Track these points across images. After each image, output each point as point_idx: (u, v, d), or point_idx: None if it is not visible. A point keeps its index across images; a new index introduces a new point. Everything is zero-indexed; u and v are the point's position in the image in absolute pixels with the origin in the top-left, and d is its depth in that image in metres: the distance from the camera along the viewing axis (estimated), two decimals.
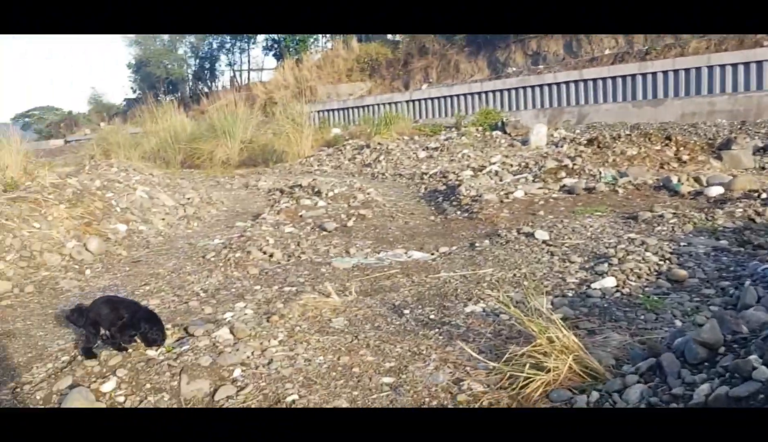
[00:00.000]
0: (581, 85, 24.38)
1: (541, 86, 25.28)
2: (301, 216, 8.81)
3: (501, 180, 10.56)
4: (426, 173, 12.18)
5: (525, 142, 14.00)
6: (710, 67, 21.40)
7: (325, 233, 7.85)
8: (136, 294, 5.96)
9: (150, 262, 7.26)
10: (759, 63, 20.43)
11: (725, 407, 2.73)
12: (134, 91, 40.00)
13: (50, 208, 7.97)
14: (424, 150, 14.59)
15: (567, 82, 24.71)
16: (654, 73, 22.56)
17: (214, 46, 37.14)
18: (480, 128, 15.46)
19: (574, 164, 10.30)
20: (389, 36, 34.51)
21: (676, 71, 22.16)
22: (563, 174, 10.12)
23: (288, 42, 35.41)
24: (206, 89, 36.48)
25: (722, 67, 21.14)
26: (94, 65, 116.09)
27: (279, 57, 35.91)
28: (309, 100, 31.18)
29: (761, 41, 21.80)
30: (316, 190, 10.46)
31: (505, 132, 14.95)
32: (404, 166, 13.83)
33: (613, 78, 23.49)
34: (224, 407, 3.54)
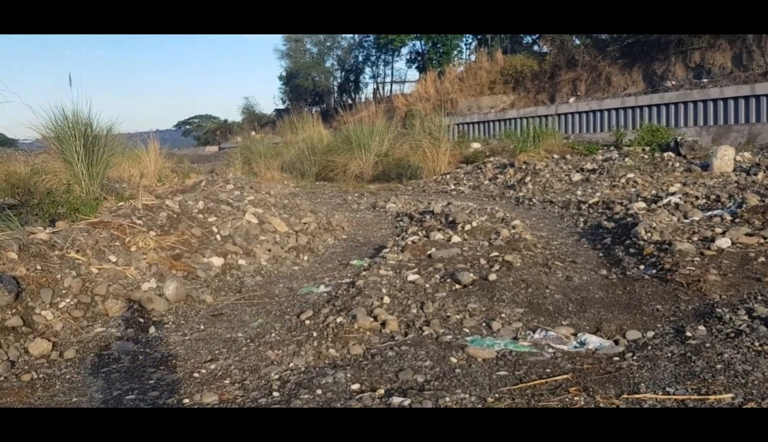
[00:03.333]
0: (752, 101, 20.48)
1: (704, 101, 21.63)
2: (429, 256, 6.61)
3: (686, 217, 7.82)
4: (584, 202, 9.60)
5: (705, 167, 10.98)
6: None
7: (458, 286, 5.60)
8: (194, 378, 4.06)
9: (233, 317, 5.36)
10: None
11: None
12: (283, 102, 39.79)
13: (136, 236, 6.35)
14: (578, 172, 11.95)
15: (736, 98, 20.87)
16: None
17: (360, 58, 36.05)
18: (646, 148, 12.53)
19: None
20: (536, 48, 31.66)
21: None
22: None
23: (432, 54, 33.55)
24: (350, 101, 35.36)
25: None
26: (249, 77, 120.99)
27: (421, 69, 34.12)
28: (449, 113, 29.09)
29: None
30: (450, 219, 8.24)
31: (679, 153, 11.94)
32: (555, 190, 11.29)
33: None
34: None
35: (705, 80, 23.63)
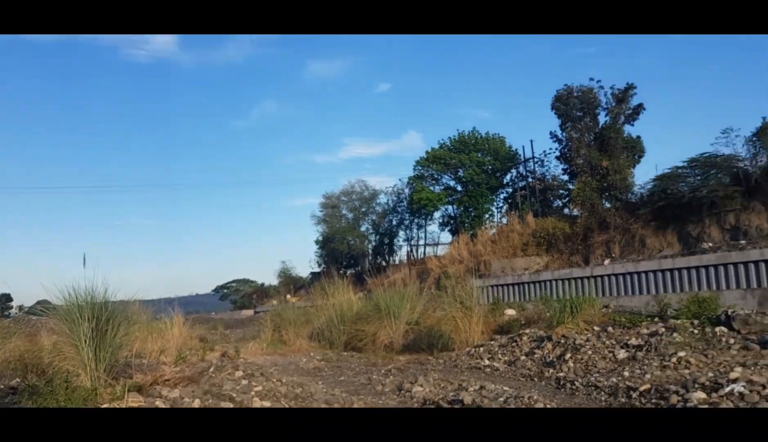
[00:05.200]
0: None
1: (746, 263, 20.50)
2: None
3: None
4: (634, 388, 8.43)
5: (765, 344, 9.77)
6: None
7: None
8: None
9: None
10: None
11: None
12: (319, 265, 39.81)
13: None
14: (623, 348, 10.81)
15: None
16: None
17: (393, 222, 36.31)
18: (695, 322, 11.40)
19: None
20: (566, 211, 31.44)
21: None
22: None
23: (464, 217, 33.60)
24: (384, 263, 35.11)
25: None
26: (287, 241, 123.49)
27: (454, 232, 34.04)
28: (482, 274, 28.35)
29: None
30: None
31: (731, 328, 10.78)
32: (599, 369, 10.13)
33: None
34: None
35: (743, 242, 22.68)
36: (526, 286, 26.31)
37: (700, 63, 68.00)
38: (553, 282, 25.81)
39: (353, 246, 35.49)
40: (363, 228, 37.11)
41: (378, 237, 36.98)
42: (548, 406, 7.63)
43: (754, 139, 23.40)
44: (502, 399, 8.20)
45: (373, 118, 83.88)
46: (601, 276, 24.27)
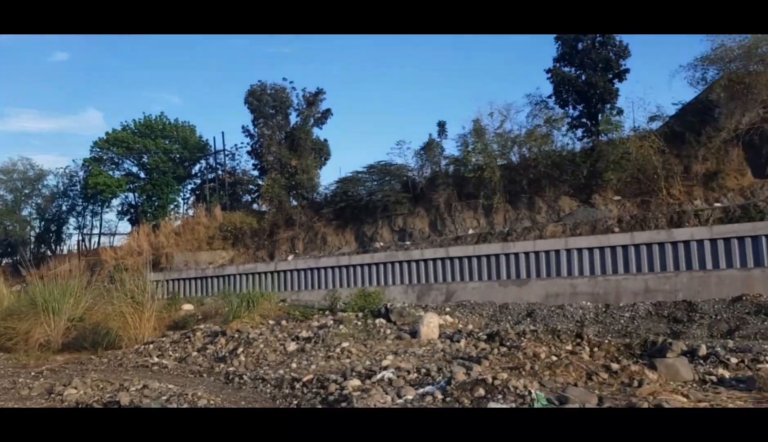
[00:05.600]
0: (448, 262, 22.45)
1: (408, 262, 23.14)
2: None
3: (400, 395, 7.33)
4: (298, 379, 8.69)
5: (414, 334, 10.98)
6: (568, 251, 20.28)
7: None
8: None
9: None
10: (612, 248, 19.54)
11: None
12: None
13: None
14: (294, 340, 11.14)
15: (434, 260, 22.70)
16: (516, 254, 21.09)
17: (64, 208, 32.51)
18: (360, 314, 12.32)
19: (494, 379, 7.27)
20: (255, 206, 31.77)
21: (537, 253, 20.85)
22: (481, 390, 7.08)
23: (146, 206, 31.63)
24: (49, 253, 31.19)
25: (579, 250, 20.09)
26: None
27: (134, 222, 31.83)
28: (163, 267, 27.03)
29: (612, 227, 21.25)
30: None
31: (389, 320, 11.91)
32: (269, 363, 10.25)
33: (478, 257, 21.80)
34: None
35: (408, 243, 25.53)
36: (210, 280, 25.86)
37: (382, 78, 75.28)
38: (238, 276, 25.82)
39: (12, 232, 30.83)
40: (25, 212, 32.50)
41: (43, 223, 32.73)
42: (211, 402, 7.39)
43: (421, 152, 26.48)
44: (164, 398, 7.72)
45: (46, 90, 74.21)
46: (285, 271, 25.04)
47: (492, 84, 67.00)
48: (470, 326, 12.97)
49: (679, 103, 23.84)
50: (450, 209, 25.01)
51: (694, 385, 7.84)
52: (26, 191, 32.24)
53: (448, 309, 18.68)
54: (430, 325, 10.90)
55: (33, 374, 10.87)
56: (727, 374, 8.13)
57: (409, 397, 7.21)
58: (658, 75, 47.90)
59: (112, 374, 10.49)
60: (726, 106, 21.92)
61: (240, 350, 10.95)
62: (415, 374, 8.20)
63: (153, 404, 7.06)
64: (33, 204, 32.52)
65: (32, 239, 32.61)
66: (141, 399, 7.24)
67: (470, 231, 24.50)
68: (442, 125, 26.28)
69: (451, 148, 41.99)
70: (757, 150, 20.79)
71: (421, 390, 7.46)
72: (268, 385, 8.80)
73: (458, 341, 10.38)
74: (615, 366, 8.22)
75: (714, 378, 7.96)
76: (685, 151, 21.65)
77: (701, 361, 8.78)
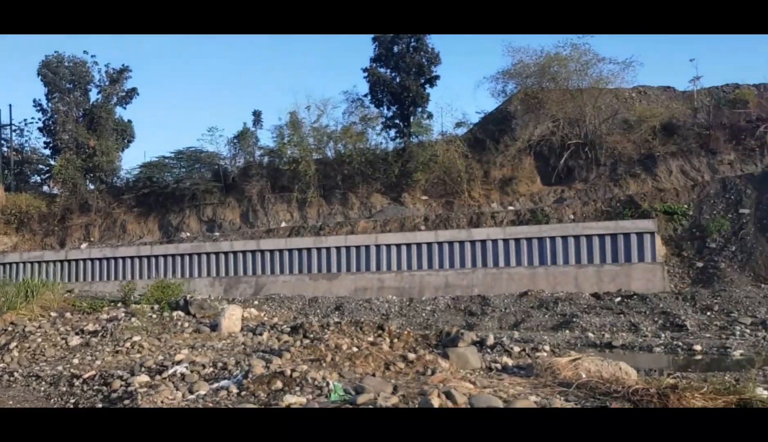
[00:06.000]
0: (258, 255, 22.07)
1: (217, 254, 22.36)
2: None
3: (192, 391, 6.86)
4: (78, 375, 7.82)
5: (214, 327, 10.45)
6: (378, 246, 20.92)
7: None
8: None
9: None
10: (418, 245, 20.49)
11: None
12: None
13: None
14: (78, 334, 10.06)
15: (244, 252, 22.19)
16: (328, 248, 21.33)
17: None
18: (156, 306, 11.49)
19: (293, 371, 7.09)
20: (46, 188, 28.65)
21: (348, 248, 21.26)
22: (279, 383, 6.86)
23: None
24: None
25: (388, 246, 20.82)
26: None
27: None
28: None
29: (419, 225, 22.26)
30: None
31: (189, 313, 11.23)
32: (47, 359, 9.13)
33: (290, 250, 21.75)
34: None
35: (217, 234, 24.59)
36: None
37: (198, 61, 72.12)
38: (21, 265, 23.26)
39: None
40: None
41: None
42: None
43: (235, 141, 25.65)
44: None
45: None
46: (77, 260, 22.96)
47: (310, 78, 67.33)
48: (275, 319, 12.71)
49: (482, 111, 25.69)
50: (263, 201, 24.54)
51: (482, 372, 8.28)
52: None
53: (256, 302, 18.29)
54: (232, 318, 10.46)
55: None
56: (510, 362, 8.71)
57: (202, 392, 6.78)
58: (465, 84, 51.19)
59: None
60: (522, 118, 23.97)
61: (13, 344, 9.67)
62: (211, 369, 7.76)
63: None
64: None
65: None
66: None
67: (283, 224, 24.26)
68: (257, 115, 25.70)
69: (266, 139, 41.32)
70: (546, 160, 22.96)
71: (215, 385, 7.06)
72: (43, 382, 7.83)
73: (261, 334, 10.07)
74: (411, 356, 8.44)
75: (499, 366, 8.47)
76: (485, 157, 23.27)
77: (489, 350, 9.38)
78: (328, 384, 6.68)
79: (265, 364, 7.70)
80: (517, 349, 9.32)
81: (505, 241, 19.25)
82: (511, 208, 21.99)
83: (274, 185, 24.21)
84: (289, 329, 10.17)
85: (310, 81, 68.32)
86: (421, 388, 6.55)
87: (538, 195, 22.51)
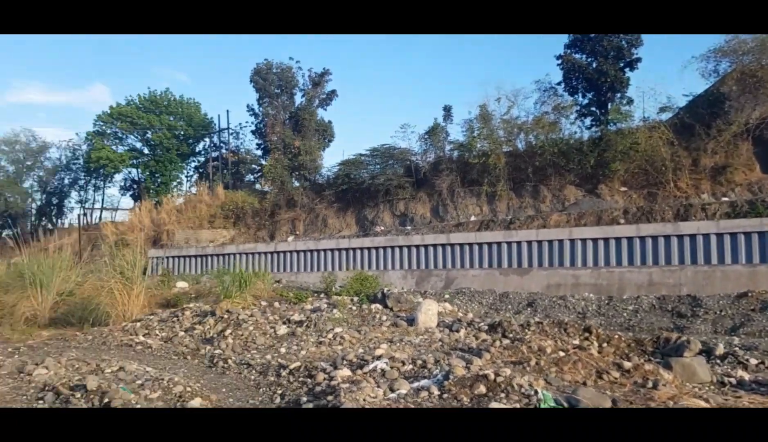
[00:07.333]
0: (448, 248, 21.69)
1: (409, 247, 22.38)
2: None
3: (393, 389, 6.59)
4: (285, 365, 7.96)
5: (411, 321, 10.24)
6: (572, 241, 19.54)
7: None
8: None
9: None
10: (617, 239, 18.75)
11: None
12: None
13: None
14: (285, 323, 10.41)
15: (435, 245, 21.95)
16: (519, 243, 20.30)
17: (66, 181, 31.74)
18: (355, 298, 11.57)
19: (497, 375, 6.51)
20: (257, 186, 31.00)
21: (540, 242, 20.08)
22: (482, 388, 6.33)
23: (149, 183, 30.88)
24: (50, 226, 30.50)
25: (583, 240, 19.33)
26: None
27: (137, 198, 31.09)
28: (164, 244, 26.36)
29: (618, 218, 20.46)
30: (105, 401, 5.91)
31: (386, 306, 11.16)
32: (257, 346, 9.52)
33: (480, 244, 21.05)
34: None
35: (409, 227, 24.77)
36: (210, 258, 25.18)
37: (389, 61, 74.11)
38: (237, 256, 25.16)
39: (12, 204, 30.08)
40: (27, 184, 31.75)
41: (45, 196, 31.96)
42: (188, 388, 6.67)
43: (425, 137, 25.65)
44: (138, 383, 7.01)
45: (54, 63, 73.26)
46: (284, 252, 24.35)
47: (501, 69, 65.96)
48: (470, 315, 12.22)
49: (690, 94, 22.96)
50: (453, 195, 24.22)
51: (712, 387, 7.09)
52: (28, 163, 31.43)
53: (447, 296, 17.99)
54: (429, 313, 10.15)
55: (10, 349, 10.16)
56: (746, 376, 7.37)
57: (403, 391, 6.47)
58: (670, 65, 46.64)
59: (92, 353, 9.78)
60: (737, 100, 21.05)
61: (228, 331, 10.23)
62: (410, 366, 7.46)
63: (122, 389, 6.33)
64: (35, 176, 31.79)
65: (33, 211, 31.88)
66: (108, 385, 6.51)
67: (472, 218, 23.72)
68: (447, 110, 25.41)
69: (456, 133, 41.02)
70: (766, 145, 19.95)
71: (416, 384, 6.73)
72: (253, 371, 8.07)
73: (457, 331, 9.63)
74: (627, 364, 7.46)
75: (733, 380, 7.19)
76: (694, 143, 20.80)
77: (718, 361, 8.03)
78: (536, 393, 6.02)
79: (465, 364, 7.23)
80: (753, 361, 7.87)
81: (719, 235, 16.90)
82: (725, 199, 19.36)
83: (463, 179, 23.79)
84: (486, 327, 9.62)
85: (501, 72, 66.98)
86: (647, 404, 5.64)
87: (758, 184, 19.61)
